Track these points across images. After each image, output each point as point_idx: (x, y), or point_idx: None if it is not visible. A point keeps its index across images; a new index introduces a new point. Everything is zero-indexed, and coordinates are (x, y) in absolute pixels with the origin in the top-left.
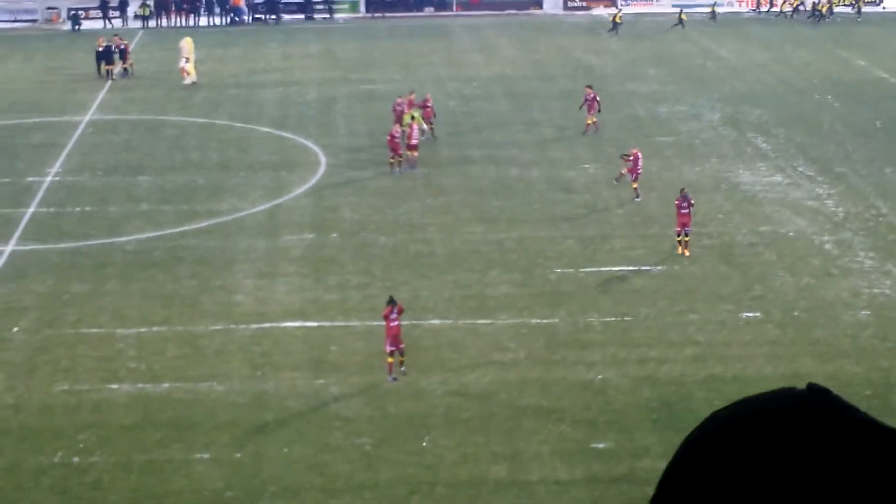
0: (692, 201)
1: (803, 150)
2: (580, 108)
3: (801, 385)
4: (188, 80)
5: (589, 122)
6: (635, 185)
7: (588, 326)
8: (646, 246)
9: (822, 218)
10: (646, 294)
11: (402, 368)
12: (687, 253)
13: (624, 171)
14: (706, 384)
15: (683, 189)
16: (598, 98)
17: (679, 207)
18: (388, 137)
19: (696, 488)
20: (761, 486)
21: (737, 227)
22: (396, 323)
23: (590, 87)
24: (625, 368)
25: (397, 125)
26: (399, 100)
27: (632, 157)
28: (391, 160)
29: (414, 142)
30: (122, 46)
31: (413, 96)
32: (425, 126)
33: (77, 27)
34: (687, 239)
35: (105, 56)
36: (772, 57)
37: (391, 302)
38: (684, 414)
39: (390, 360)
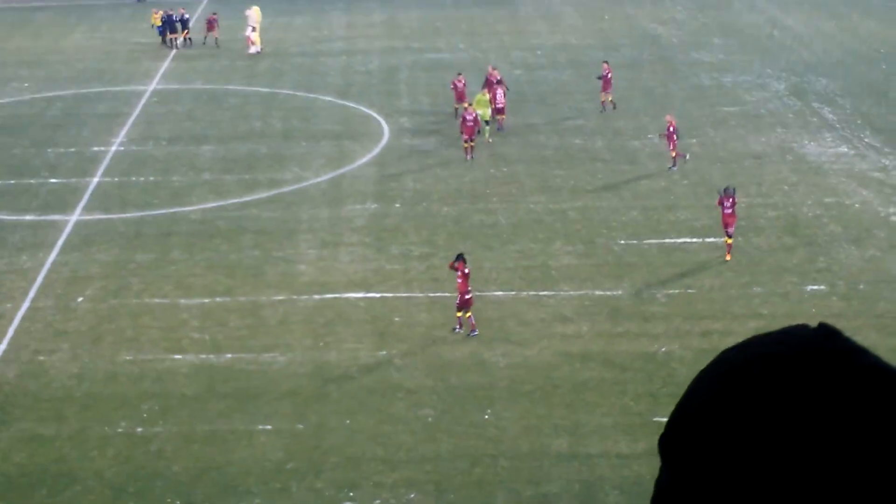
0: (736, 199)
1: (870, 121)
2: (598, 78)
3: None
4: (253, 50)
5: (603, 99)
6: (674, 154)
7: (652, 298)
8: (711, 217)
9: (888, 189)
10: (710, 266)
11: (458, 329)
12: (728, 258)
13: (674, 153)
14: None
15: (728, 187)
16: (610, 75)
17: (723, 206)
18: (461, 120)
19: (700, 431)
20: (764, 431)
21: (802, 198)
22: (461, 281)
23: (606, 62)
24: (688, 341)
25: (469, 107)
26: (459, 78)
27: (667, 126)
28: (465, 144)
29: (500, 105)
30: (185, 17)
31: (497, 72)
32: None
33: None
34: (729, 241)
35: (168, 25)
36: (839, 26)
37: (459, 258)
38: None
39: (458, 313)
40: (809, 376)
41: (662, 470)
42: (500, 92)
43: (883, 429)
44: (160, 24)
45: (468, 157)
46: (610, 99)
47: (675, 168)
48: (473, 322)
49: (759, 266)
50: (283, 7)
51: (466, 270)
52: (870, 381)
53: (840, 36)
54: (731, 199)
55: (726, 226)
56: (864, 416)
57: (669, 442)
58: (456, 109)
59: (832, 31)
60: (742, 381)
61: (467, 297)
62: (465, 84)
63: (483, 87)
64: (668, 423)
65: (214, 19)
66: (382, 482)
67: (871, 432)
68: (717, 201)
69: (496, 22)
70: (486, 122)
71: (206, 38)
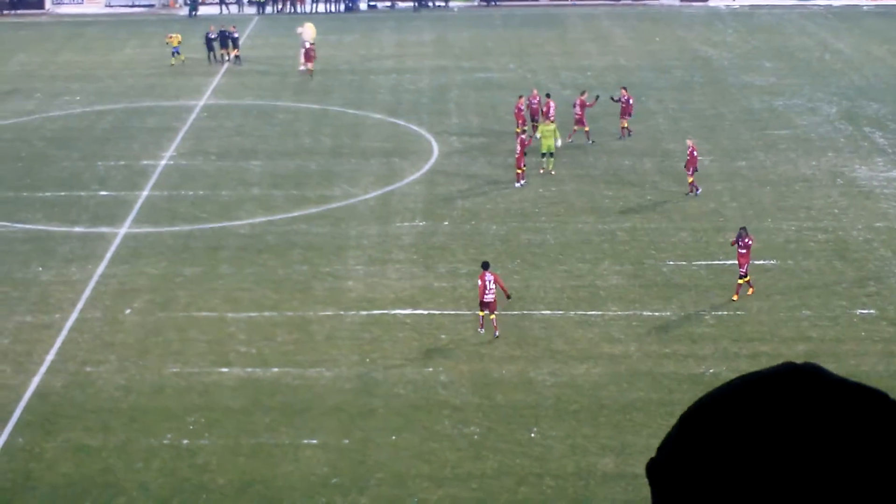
0: (750, 241)
1: None
2: (614, 100)
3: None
4: (303, 67)
5: (623, 125)
6: (692, 180)
7: (700, 320)
8: (760, 239)
9: None
10: (759, 288)
11: (493, 332)
12: (735, 298)
13: (691, 179)
14: None
15: (743, 228)
16: (631, 101)
17: (738, 246)
18: (519, 148)
19: (684, 456)
20: (745, 455)
21: (852, 222)
22: (491, 298)
23: (625, 88)
24: (736, 363)
25: (523, 134)
26: (523, 101)
27: (689, 152)
28: (518, 170)
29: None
30: (235, 34)
31: (584, 96)
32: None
33: (194, 13)
34: (741, 282)
35: (220, 41)
36: (890, 51)
37: (485, 266)
38: None
39: (481, 313)
40: (792, 403)
41: (652, 496)
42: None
43: (866, 453)
44: (176, 44)
45: (518, 182)
46: (625, 125)
47: (695, 194)
48: (496, 324)
49: (808, 289)
50: (334, 25)
51: (490, 287)
52: (852, 407)
53: (891, 60)
54: (745, 240)
55: (740, 266)
56: (847, 440)
57: (657, 467)
58: (533, 128)
59: (884, 55)
60: (725, 409)
61: (487, 300)
62: (539, 102)
63: (539, 115)
64: (657, 449)
65: (312, 48)
66: (427, 499)
67: (853, 456)
68: (731, 241)
69: (546, 42)
70: (552, 154)
71: (237, 55)
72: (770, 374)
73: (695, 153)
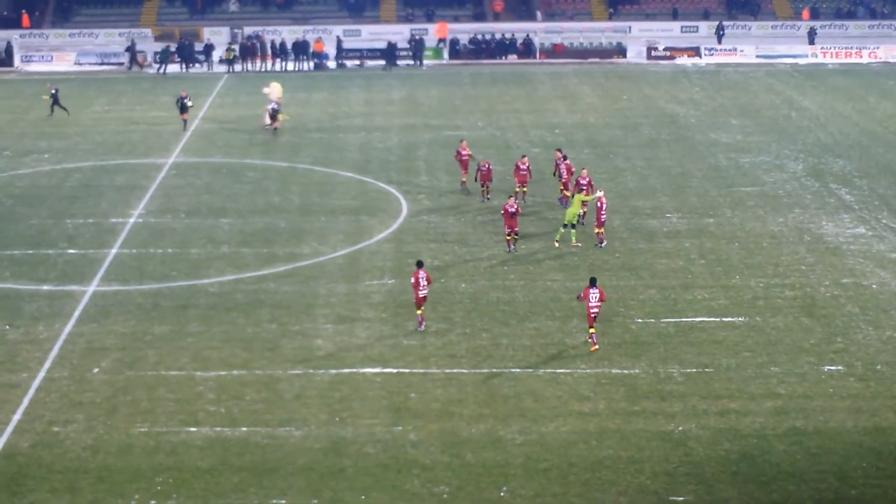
0: (602, 296)
1: (887, 202)
2: (553, 174)
3: (883, 439)
4: (267, 122)
5: (565, 191)
6: (599, 231)
7: (669, 377)
8: (728, 296)
9: None
10: (727, 345)
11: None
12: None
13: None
14: (787, 437)
15: (593, 278)
16: (566, 165)
17: (588, 300)
18: (503, 211)
19: None
20: None
21: (819, 278)
22: (424, 293)
23: (559, 150)
24: (705, 420)
25: (512, 198)
26: (526, 161)
27: (598, 202)
28: (508, 237)
29: (603, 218)
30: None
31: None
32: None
33: (163, 71)
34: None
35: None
36: (855, 108)
37: (419, 265)
38: (765, 467)
39: (419, 311)
40: None
41: None
42: (603, 203)
43: None
44: (49, 98)
45: (510, 248)
46: (561, 189)
47: (602, 245)
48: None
49: (776, 346)
50: (303, 83)
51: (423, 284)
52: None
53: (856, 117)
54: (593, 291)
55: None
56: None
57: None
58: (517, 192)
59: (849, 112)
60: None
61: (422, 295)
62: (528, 168)
63: (557, 175)
64: None
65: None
66: None
67: None
68: (579, 296)
69: (515, 100)
70: (573, 226)
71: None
72: None
73: (600, 205)
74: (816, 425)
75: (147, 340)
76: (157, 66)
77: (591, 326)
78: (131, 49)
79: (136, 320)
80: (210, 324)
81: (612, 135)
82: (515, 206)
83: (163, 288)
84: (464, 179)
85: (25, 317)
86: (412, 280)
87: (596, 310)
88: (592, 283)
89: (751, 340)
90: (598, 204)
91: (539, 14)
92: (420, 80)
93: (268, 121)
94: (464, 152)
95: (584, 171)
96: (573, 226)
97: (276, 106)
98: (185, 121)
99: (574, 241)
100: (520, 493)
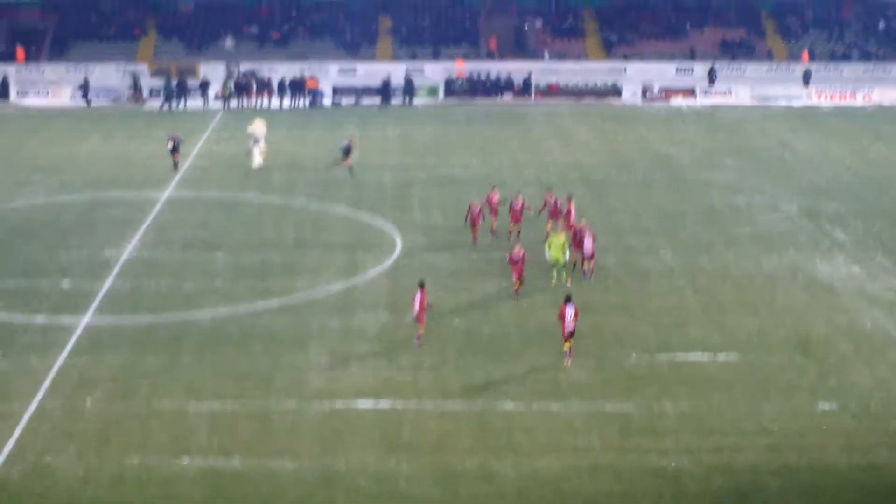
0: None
1: (882, 242)
2: (539, 213)
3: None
4: (255, 163)
5: (548, 228)
6: (585, 264)
7: (662, 413)
8: (721, 334)
9: None
10: (721, 382)
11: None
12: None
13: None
14: (781, 474)
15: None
16: (557, 203)
17: (564, 319)
18: (508, 257)
19: None
20: None
21: (813, 317)
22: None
23: (549, 190)
24: (699, 456)
25: (518, 247)
26: (520, 199)
27: (574, 233)
28: (517, 284)
29: (589, 252)
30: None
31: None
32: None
33: (167, 108)
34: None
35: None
36: (849, 150)
37: (422, 285)
38: None
39: (421, 329)
40: None
41: None
42: (588, 241)
43: None
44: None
45: (517, 296)
46: (549, 229)
47: (591, 279)
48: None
49: (770, 383)
50: (299, 120)
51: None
52: None
53: (850, 160)
54: (568, 308)
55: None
56: None
57: None
58: (510, 232)
59: (843, 154)
60: None
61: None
62: (523, 205)
63: (545, 214)
64: None
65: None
66: None
67: None
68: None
69: (509, 139)
70: (563, 266)
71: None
72: None
73: (581, 237)
74: (810, 462)
75: (140, 372)
76: (162, 103)
77: (566, 341)
78: (135, 81)
79: (129, 352)
80: (203, 356)
81: (606, 174)
82: (522, 253)
83: (156, 320)
84: (493, 228)
85: (18, 348)
86: (415, 301)
87: (571, 326)
88: (567, 300)
89: (744, 377)
90: (580, 236)
91: (546, 53)
92: (416, 119)
93: (258, 160)
94: (494, 198)
95: (570, 201)
96: (564, 266)
97: (259, 142)
98: (176, 162)
99: (565, 279)
100: None
